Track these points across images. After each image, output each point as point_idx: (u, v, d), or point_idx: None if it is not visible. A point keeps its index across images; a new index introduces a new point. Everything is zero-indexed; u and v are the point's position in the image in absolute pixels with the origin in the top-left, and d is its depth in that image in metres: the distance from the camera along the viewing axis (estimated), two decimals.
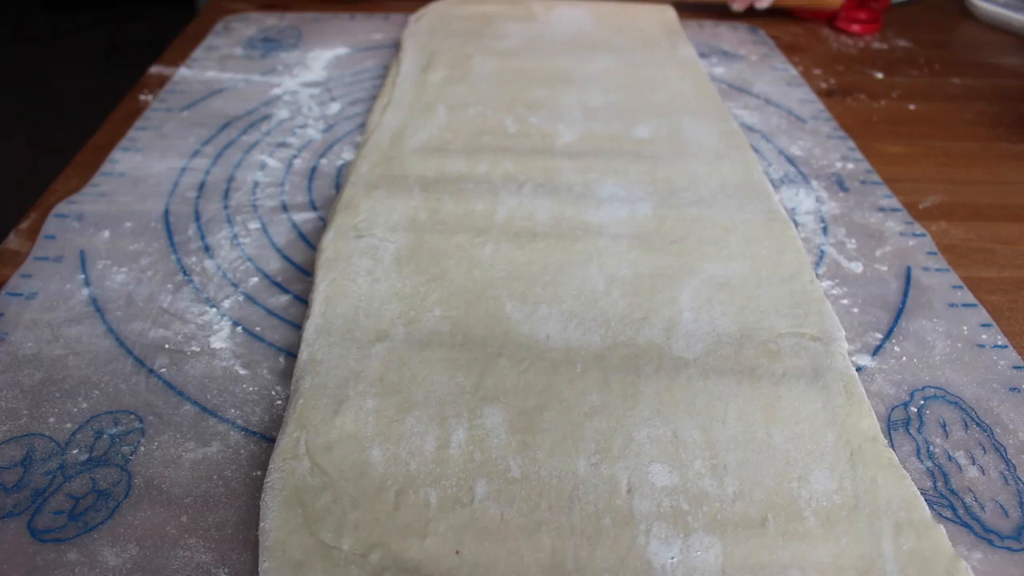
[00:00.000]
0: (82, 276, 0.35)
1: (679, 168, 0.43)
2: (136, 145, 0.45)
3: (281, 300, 0.35)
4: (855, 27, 0.68)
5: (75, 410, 0.29)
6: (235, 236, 0.39)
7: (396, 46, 0.60)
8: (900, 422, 0.30)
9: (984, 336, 0.34)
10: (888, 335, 0.34)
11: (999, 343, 0.33)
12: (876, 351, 0.33)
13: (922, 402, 0.31)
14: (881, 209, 0.43)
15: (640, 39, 0.59)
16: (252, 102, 0.51)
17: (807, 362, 0.31)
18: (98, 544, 0.25)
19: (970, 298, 0.36)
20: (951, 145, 0.49)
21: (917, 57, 0.63)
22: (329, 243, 0.36)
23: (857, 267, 0.38)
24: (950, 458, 0.29)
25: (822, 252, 0.39)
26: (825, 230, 0.41)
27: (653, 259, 0.36)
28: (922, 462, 0.28)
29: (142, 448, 0.28)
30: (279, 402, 0.30)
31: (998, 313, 0.35)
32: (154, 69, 0.56)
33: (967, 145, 0.50)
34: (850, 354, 0.32)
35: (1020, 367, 0.32)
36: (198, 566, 0.24)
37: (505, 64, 0.54)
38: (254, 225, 0.39)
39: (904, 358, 0.33)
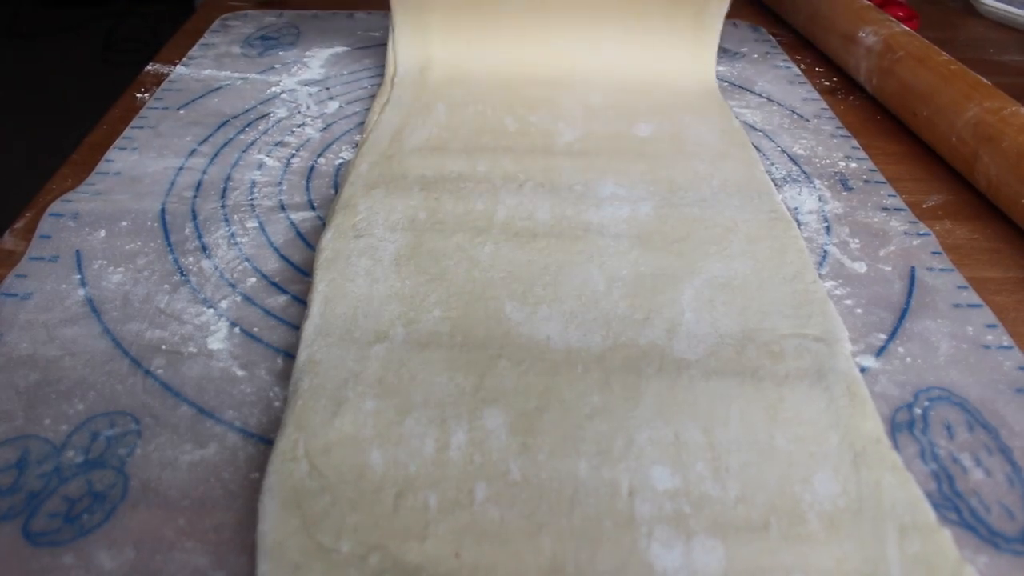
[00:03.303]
0: (78, 276, 0.35)
1: (680, 167, 0.42)
2: (132, 144, 0.45)
3: (279, 301, 0.34)
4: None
5: (71, 412, 0.29)
6: (232, 236, 0.38)
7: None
8: (904, 424, 0.30)
9: (989, 337, 0.33)
10: (892, 336, 0.34)
11: (1005, 344, 0.33)
12: (880, 352, 0.33)
13: (927, 403, 0.30)
14: (885, 208, 0.42)
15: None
16: (250, 100, 0.51)
17: (810, 363, 0.30)
18: (94, 547, 0.24)
19: (975, 298, 0.36)
20: None
21: None
22: (328, 243, 0.36)
23: (860, 267, 0.38)
24: (955, 460, 0.28)
25: (825, 252, 0.39)
26: (828, 230, 0.40)
27: (654, 259, 0.36)
28: (926, 464, 0.28)
29: (139, 450, 0.27)
30: (277, 403, 0.29)
31: (1004, 313, 0.35)
32: (151, 67, 0.55)
33: None
34: (853, 355, 0.32)
35: None
36: (195, 569, 0.24)
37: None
38: (252, 224, 0.39)
39: (908, 359, 0.32)
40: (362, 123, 0.48)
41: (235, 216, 0.40)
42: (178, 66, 0.55)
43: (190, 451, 0.27)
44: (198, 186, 0.42)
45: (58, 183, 0.42)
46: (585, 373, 0.30)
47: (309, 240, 0.38)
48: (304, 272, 0.36)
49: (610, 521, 0.25)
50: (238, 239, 0.38)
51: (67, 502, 0.26)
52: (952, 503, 0.27)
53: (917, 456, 0.28)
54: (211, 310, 0.34)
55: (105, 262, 0.36)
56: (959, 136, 0.44)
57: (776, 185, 0.43)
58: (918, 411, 0.30)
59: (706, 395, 0.29)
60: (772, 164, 0.46)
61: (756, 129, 0.50)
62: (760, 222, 0.38)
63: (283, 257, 0.37)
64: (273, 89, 0.52)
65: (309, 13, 0.65)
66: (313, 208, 0.41)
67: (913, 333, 0.34)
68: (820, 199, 0.43)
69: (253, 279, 0.36)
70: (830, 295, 0.35)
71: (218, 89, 0.52)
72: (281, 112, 0.49)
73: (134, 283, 0.35)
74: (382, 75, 0.55)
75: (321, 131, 0.48)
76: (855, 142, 0.49)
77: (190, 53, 0.57)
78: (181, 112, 0.49)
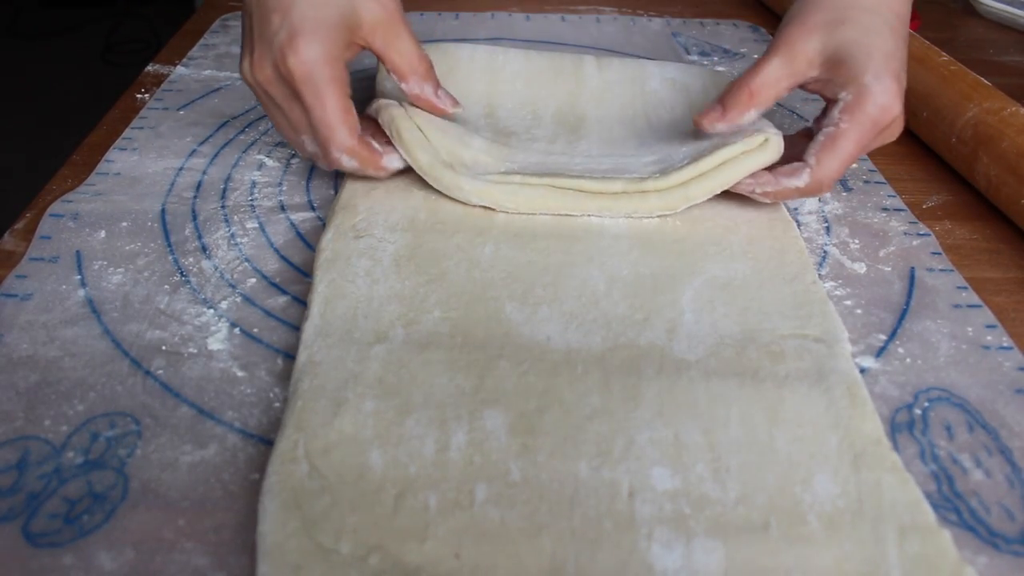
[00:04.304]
0: (78, 277, 0.35)
1: None
2: (133, 144, 0.45)
3: (279, 301, 0.34)
4: None
5: (71, 412, 0.29)
6: (232, 236, 0.38)
7: None
8: (904, 424, 0.30)
9: (989, 337, 0.33)
10: (892, 336, 0.34)
11: (1004, 344, 0.33)
12: (880, 352, 0.33)
13: (926, 404, 0.30)
14: (885, 209, 0.42)
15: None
16: (250, 101, 0.51)
17: (810, 364, 0.30)
18: (94, 548, 0.24)
19: (975, 299, 0.36)
20: None
21: None
22: (328, 243, 0.36)
23: (860, 267, 0.38)
24: (955, 461, 0.28)
25: (825, 252, 0.39)
26: (828, 230, 0.40)
27: (654, 259, 0.36)
28: (926, 465, 0.28)
29: (139, 451, 0.27)
30: (277, 404, 0.29)
31: (1003, 314, 0.35)
32: (151, 67, 0.55)
33: None
34: (853, 356, 0.32)
35: None
36: (195, 570, 0.24)
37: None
38: (252, 225, 0.39)
39: (908, 359, 0.32)
40: None
41: (235, 216, 0.40)
42: (178, 67, 0.55)
43: (190, 452, 0.27)
44: (198, 186, 0.42)
45: (58, 184, 0.42)
46: (585, 374, 0.30)
47: (309, 240, 0.38)
48: (304, 272, 0.36)
49: (610, 522, 0.25)
50: (238, 239, 0.38)
51: (67, 503, 0.26)
52: (952, 504, 0.27)
53: (917, 457, 0.28)
54: (211, 311, 0.34)
55: (105, 263, 0.36)
56: (959, 136, 0.44)
57: None
58: (918, 412, 0.30)
59: (706, 396, 0.29)
60: None
61: None
62: (760, 222, 0.38)
63: (283, 258, 0.37)
64: None
65: None
66: (313, 208, 0.41)
67: (913, 334, 0.34)
68: (820, 199, 0.43)
69: (253, 280, 0.36)
70: (830, 295, 0.35)
71: (218, 89, 0.52)
72: None
73: (134, 284, 0.35)
74: None
75: None
76: None
77: (190, 54, 0.57)
78: (181, 113, 0.49)
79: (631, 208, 0.37)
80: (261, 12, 0.35)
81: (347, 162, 0.37)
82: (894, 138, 0.37)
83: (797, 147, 0.37)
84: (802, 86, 0.38)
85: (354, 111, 0.37)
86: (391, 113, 0.38)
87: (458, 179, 0.37)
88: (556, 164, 0.40)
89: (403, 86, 0.38)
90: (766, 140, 0.37)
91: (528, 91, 0.46)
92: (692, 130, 0.41)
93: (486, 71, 0.46)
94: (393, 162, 0.38)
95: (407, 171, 0.41)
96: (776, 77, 0.37)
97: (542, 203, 0.37)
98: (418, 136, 0.38)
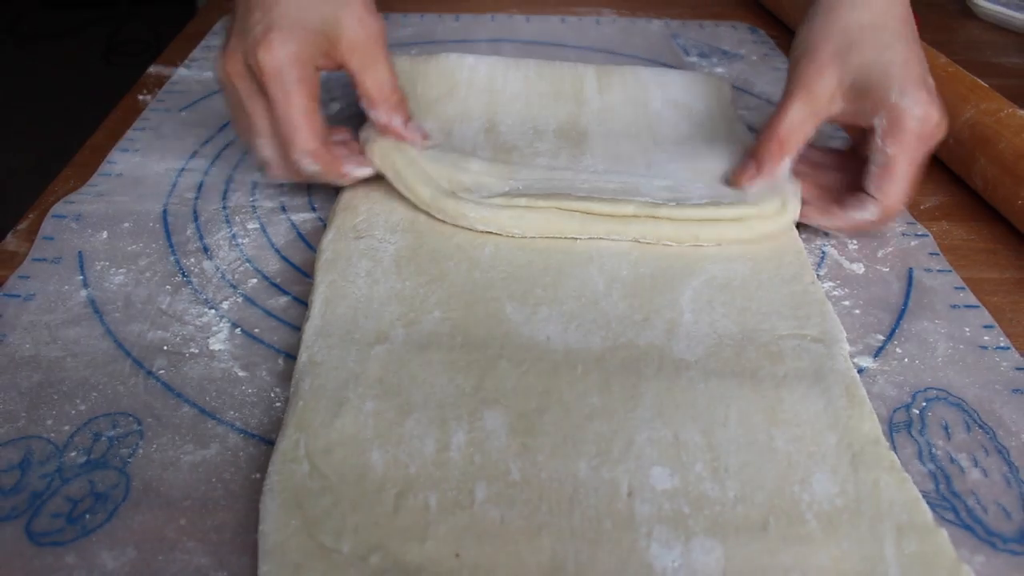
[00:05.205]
0: (80, 277, 0.35)
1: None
2: (135, 145, 0.45)
3: (280, 301, 0.35)
4: None
5: (73, 412, 0.29)
6: (234, 237, 0.38)
7: (393, 46, 0.59)
8: (902, 424, 0.30)
9: (986, 337, 0.34)
10: (890, 336, 0.34)
11: (1001, 344, 0.33)
12: (878, 353, 0.33)
13: (924, 404, 0.31)
14: None
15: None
16: None
17: (808, 364, 0.31)
18: (96, 547, 0.24)
19: (972, 299, 0.36)
20: None
21: None
22: (328, 244, 0.36)
23: (858, 268, 0.38)
24: (952, 460, 0.28)
25: (823, 253, 0.39)
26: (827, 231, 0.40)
27: (654, 260, 0.36)
28: (924, 464, 0.28)
29: (141, 450, 0.27)
30: (278, 404, 0.30)
31: (1000, 314, 0.35)
32: (153, 69, 0.56)
33: None
34: (851, 356, 0.32)
35: (1023, 368, 0.32)
36: (197, 569, 0.24)
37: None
38: (253, 226, 0.39)
39: (906, 359, 0.33)
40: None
41: (236, 217, 0.40)
42: (180, 68, 0.55)
43: (192, 451, 0.28)
44: (200, 187, 0.42)
45: (61, 185, 0.42)
46: (585, 374, 0.30)
47: (310, 241, 0.38)
48: (305, 273, 0.36)
49: (610, 521, 0.25)
50: (239, 240, 0.38)
51: (69, 502, 0.26)
52: (949, 503, 0.27)
53: (915, 456, 0.29)
54: (212, 311, 0.34)
55: (107, 263, 0.36)
56: (956, 138, 0.44)
57: None
58: (915, 411, 0.30)
59: (705, 396, 0.29)
60: None
61: (755, 130, 0.50)
62: None
63: (284, 258, 0.37)
64: None
65: None
66: (314, 209, 0.41)
67: (911, 334, 0.34)
68: None
69: (254, 280, 0.36)
70: (828, 296, 0.36)
71: (220, 91, 0.52)
72: None
73: (136, 284, 0.35)
74: None
75: None
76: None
77: (192, 55, 0.57)
78: (183, 114, 0.49)
79: (641, 233, 0.36)
80: (245, 7, 0.35)
81: (308, 166, 0.36)
82: (941, 137, 0.36)
83: (834, 169, 0.38)
84: (832, 120, 0.38)
85: (320, 116, 0.36)
86: (383, 149, 0.38)
87: (461, 207, 0.36)
88: (561, 181, 0.39)
89: (371, 113, 0.38)
90: (783, 206, 0.37)
91: (528, 111, 0.46)
92: (706, 167, 0.40)
93: (485, 91, 0.46)
94: (357, 170, 0.37)
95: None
96: (800, 120, 0.37)
97: (548, 227, 0.36)
98: (418, 171, 0.37)
